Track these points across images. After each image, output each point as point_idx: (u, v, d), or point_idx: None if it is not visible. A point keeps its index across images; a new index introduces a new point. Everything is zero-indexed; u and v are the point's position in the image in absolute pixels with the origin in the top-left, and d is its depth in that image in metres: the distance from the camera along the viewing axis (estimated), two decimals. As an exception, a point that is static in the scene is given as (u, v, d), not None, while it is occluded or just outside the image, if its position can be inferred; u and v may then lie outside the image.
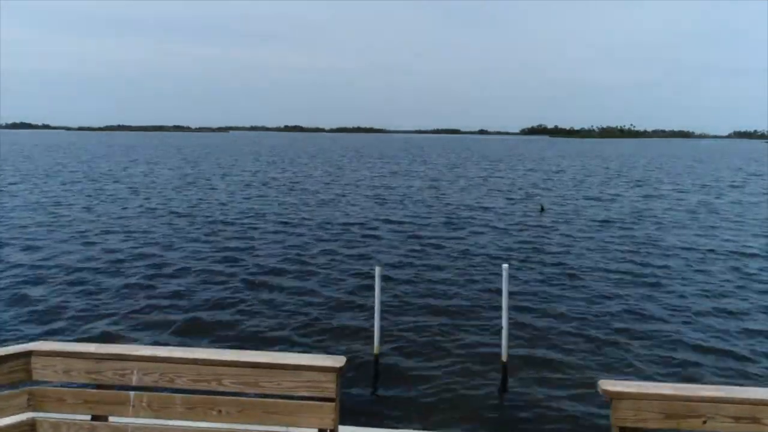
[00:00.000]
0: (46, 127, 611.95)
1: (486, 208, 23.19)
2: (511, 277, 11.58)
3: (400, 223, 19.35)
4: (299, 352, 8.43)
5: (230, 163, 53.46)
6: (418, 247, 15.16)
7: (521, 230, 18.14)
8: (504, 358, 7.35)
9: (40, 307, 10.12)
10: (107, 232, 16.98)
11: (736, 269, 13.34)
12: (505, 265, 7.41)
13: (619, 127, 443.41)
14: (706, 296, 11.24)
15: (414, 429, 5.94)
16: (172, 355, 2.59)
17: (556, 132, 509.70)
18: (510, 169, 49.53)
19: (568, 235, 17.30)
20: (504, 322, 7.29)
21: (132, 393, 2.57)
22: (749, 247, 15.96)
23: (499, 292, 10.48)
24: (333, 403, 2.46)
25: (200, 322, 9.64)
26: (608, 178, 39.37)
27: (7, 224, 18.05)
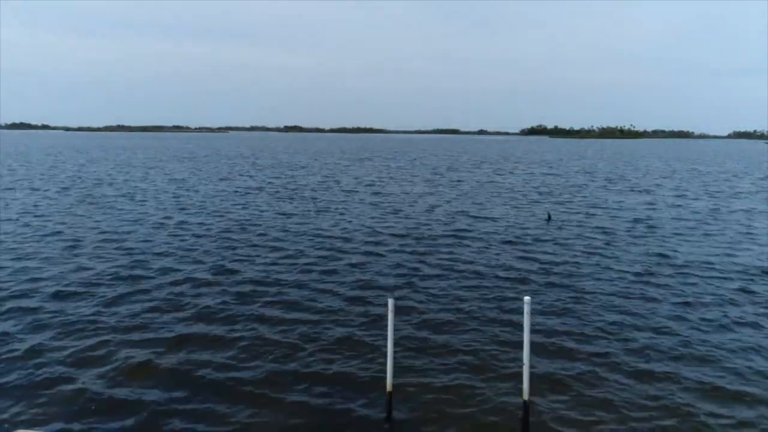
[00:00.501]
0: (45, 127, 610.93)
1: (490, 219, 22.73)
2: (519, 295, 11.14)
3: (402, 236, 18.89)
4: (305, 388, 8.00)
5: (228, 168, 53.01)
6: (421, 266, 14.49)
7: (530, 242, 17.70)
8: (525, 396, 6.91)
9: None
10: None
11: None
12: (527, 298, 6.95)
13: (618, 128, 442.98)
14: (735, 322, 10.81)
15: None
16: None
17: (556, 132, 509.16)
18: (513, 171, 49.10)
19: (578, 250, 16.86)
20: (525, 359, 6.85)
21: None
22: None
23: (515, 324, 10.06)
24: None
25: (193, 360, 9.21)
26: (610, 182, 38.98)
27: None
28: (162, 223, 20.29)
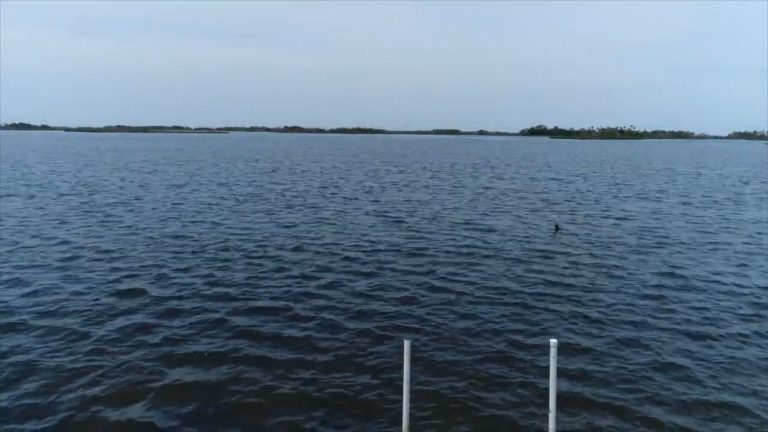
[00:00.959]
0: (45, 127, 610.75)
1: (496, 231, 22.11)
2: (534, 327, 10.57)
3: (404, 252, 18.28)
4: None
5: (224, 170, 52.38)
6: (426, 292, 13.50)
7: (539, 259, 17.07)
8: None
9: None
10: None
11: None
12: (553, 341, 6.32)
13: (619, 128, 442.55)
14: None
15: None
16: None
17: (556, 133, 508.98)
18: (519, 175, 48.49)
19: (589, 266, 16.24)
20: (552, 406, 6.24)
21: None
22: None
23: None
24: None
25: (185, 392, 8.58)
26: (614, 187, 38.37)
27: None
28: (153, 238, 19.66)
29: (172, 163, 62.31)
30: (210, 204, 27.94)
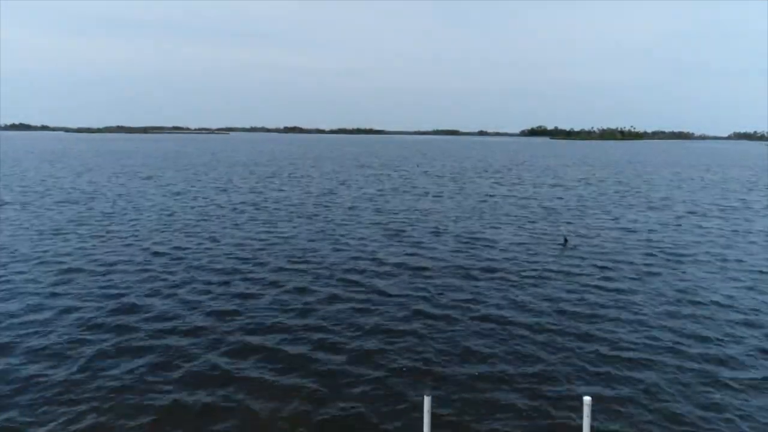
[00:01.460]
0: (44, 128, 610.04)
1: (502, 245, 21.47)
2: (545, 357, 9.86)
3: (406, 269, 17.65)
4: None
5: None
6: (420, 323, 12.91)
7: (549, 277, 16.45)
8: None
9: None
10: None
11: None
12: (587, 399, 5.65)
13: (619, 129, 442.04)
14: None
15: None
16: None
17: (556, 133, 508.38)
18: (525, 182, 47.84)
19: (602, 291, 15.62)
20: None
21: None
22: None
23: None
24: None
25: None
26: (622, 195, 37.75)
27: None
28: (153, 253, 19.04)
29: (172, 167, 61.68)
30: (209, 215, 27.30)
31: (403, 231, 23.35)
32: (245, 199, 33.68)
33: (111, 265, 17.07)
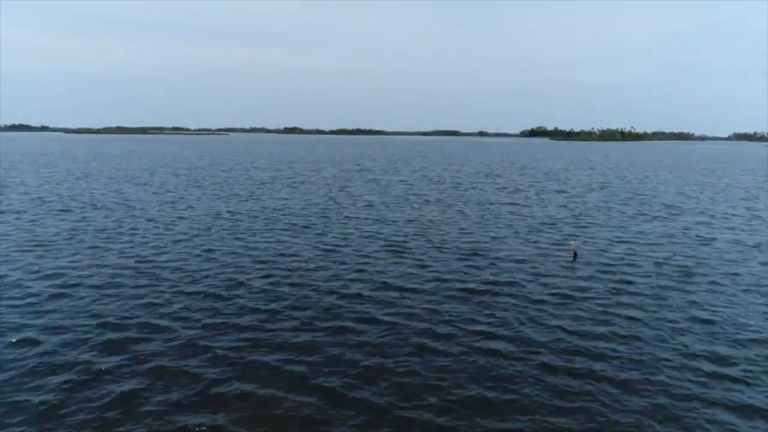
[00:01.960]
0: (44, 128, 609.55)
1: (508, 261, 20.77)
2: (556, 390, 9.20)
3: (408, 289, 16.95)
4: None
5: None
6: (418, 358, 12.16)
7: (560, 297, 15.74)
8: None
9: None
10: None
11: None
12: None
13: (619, 130, 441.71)
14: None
15: None
16: None
17: (556, 134, 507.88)
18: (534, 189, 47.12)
19: (615, 312, 14.91)
20: None
21: None
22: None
23: None
24: None
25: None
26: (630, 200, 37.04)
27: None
28: (145, 270, 18.33)
29: (170, 171, 60.97)
30: (207, 226, 26.59)
31: (406, 246, 22.63)
32: (244, 207, 32.95)
33: (108, 278, 16.36)
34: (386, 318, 13.94)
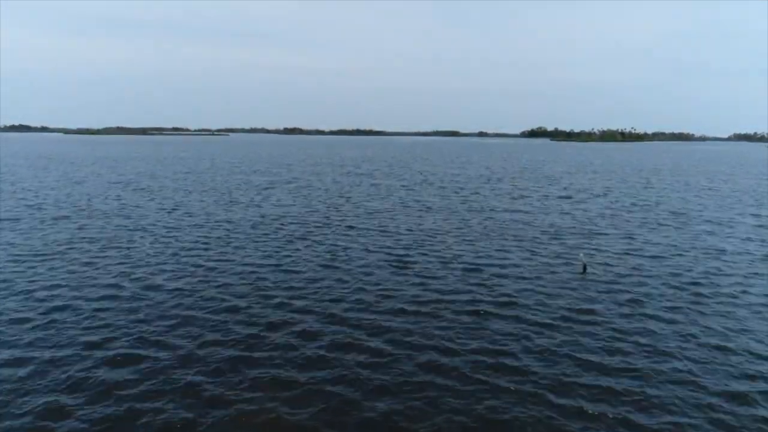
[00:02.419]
0: (44, 129, 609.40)
1: (515, 275, 20.23)
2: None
3: (411, 314, 16.41)
4: None
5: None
6: (428, 377, 11.92)
7: (571, 318, 15.21)
8: None
9: None
10: None
11: None
12: None
13: (619, 130, 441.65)
14: None
15: None
16: None
17: (556, 134, 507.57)
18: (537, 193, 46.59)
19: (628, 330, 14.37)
20: None
21: None
22: None
23: None
24: None
25: None
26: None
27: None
28: (146, 283, 17.79)
29: (170, 176, 60.50)
30: (206, 236, 26.05)
31: (408, 259, 22.10)
32: (243, 215, 32.41)
33: (104, 291, 15.82)
34: (387, 334, 13.40)
